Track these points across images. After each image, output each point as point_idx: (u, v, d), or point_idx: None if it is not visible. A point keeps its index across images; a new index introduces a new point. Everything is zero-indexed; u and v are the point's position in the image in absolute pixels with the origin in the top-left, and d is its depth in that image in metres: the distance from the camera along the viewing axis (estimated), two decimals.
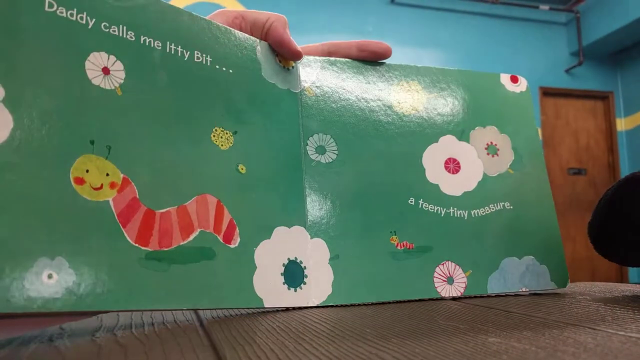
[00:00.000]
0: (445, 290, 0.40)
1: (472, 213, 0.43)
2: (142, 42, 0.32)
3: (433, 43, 4.10)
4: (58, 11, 0.28)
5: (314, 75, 0.43)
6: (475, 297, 0.41)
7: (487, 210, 0.43)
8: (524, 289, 0.42)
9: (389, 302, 0.38)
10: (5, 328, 0.26)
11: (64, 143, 0.27)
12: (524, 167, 0.46)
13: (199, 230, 0.32)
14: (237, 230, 0.34)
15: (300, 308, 0.36)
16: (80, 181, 0.27)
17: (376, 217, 0.40)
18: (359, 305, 0.38)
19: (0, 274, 0.23)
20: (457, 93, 0.46)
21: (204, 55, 0.35)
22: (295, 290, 0.36)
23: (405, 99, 0.45)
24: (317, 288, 0.37)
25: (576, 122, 4.55)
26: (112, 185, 0.28)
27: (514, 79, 0.49)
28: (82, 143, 0.28)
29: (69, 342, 0.25)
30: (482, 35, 4.22)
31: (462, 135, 0.45)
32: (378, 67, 0.45)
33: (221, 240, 0.33)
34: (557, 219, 0.45)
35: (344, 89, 0.43)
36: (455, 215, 0.42)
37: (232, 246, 0.34)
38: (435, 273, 0.40)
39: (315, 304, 0.37)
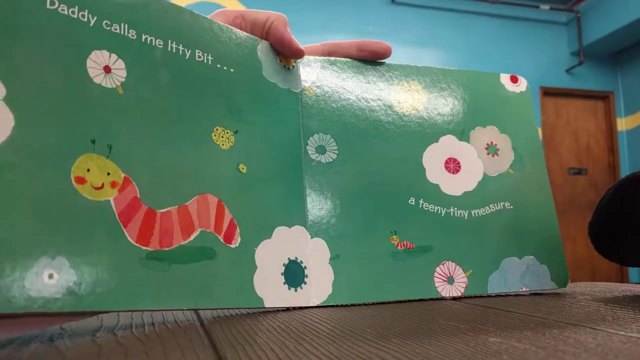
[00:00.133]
0: (446, 290, 0.40)
1: (473, 213, 0.43)
2: (143, 40, 0.32)
3: (433, 43, 4.10)
4: (59, 9, 0.28)
5: (314, 75, 0.43)
6: (476, 297, 0.41)
7: (488, 210, 0.43)
8: (524, 289, 0.42)
9: (390, 302, 0.38)
10: (5, 328, 0.26)
11: (65, 142, 0.27)
12: (524, 167, 0.46)
13: (199, 230, 0.32)
14: (238, 230, 0.34)
15: (300, 308, 0.36)
16: (81, 180, 0.27)
17: (376, 217, 0.40)
18: (359, 305, 0.38)
19: (0, 273, 0.23)
20: (457, 93, 0.46)
21: (205, 54, 0.35)
22: (296, 290, 0.36)
23: (406, 98, 0.45)
24: (318, 288, 0.37)
25: (576, 121, 4.55)
26: (113, 184, 0.28)
27: (514, 79, 0.49)
28: (83, 142, 0.27)
29: (70, 342, 0.25)
30: (482, 35, 4.22)
31: (463, 135, 0.45)
32: (378, 67, 0.45)
33: (222, 240, 0.33)
34: (557, 218, 0.45)
35: (344, 89, 0.43)
36: (456, 215, 0.42)
37: (232, 246, 0.34)
38: (435, 273, 0.40)
39: (315, 304, 0.37)
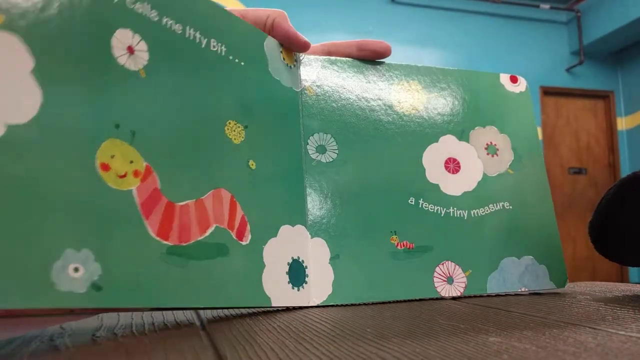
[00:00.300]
0: (445, 290, 0.40)
1: (472, 213, 0.43)
2: (164, 23, 0.30)
3: (433, 42, 4.10)
4: None
5: (315, 75, 0.43)
6: (475, 296, 0.41)
7: (487, 210, 0.43)
8: (523, 289, 0.42)
9: (389, 302, 0.38)
10: (6, 328, 0.26)
11: (91, 124, 0.25)
12: (523, 167, 0.46)
13: (214, 225, 0.31)
14: (248, 227, 0.33)
15: (300, 308, 0.36)
16: (106, 167, 0.25)
17: (376, 216, 0.40)
18: (359, 304, 0.38)
19: (25, 264, 0.21)
20: (457, 93, 0.46)
21: (220, 44, 0.34)
22: (299, 290, 0.36)
23: (406, 98, 0.45)
24: (318, 288, 0.37)
25: (577, 121, 4.54)
26: (136, 173, 0.27)
27: (514, 79, 0.49)
28: (107, 126, 0.26)
29: (70, 341, 0.25)
30: (482, 35, 4.22)
31: (462, 135, 0.45)
32: (378, 67, 0.45)
33: (234, 237, 0.32)
34: (556, 219, 0.46)
35: (344, 88, 0.43)
36: (455, 215, 0.42)
37: (244, 243, 0.33)
38: (435, 273, 0.40)
39: (316, 304, 0.37)
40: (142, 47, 0.28)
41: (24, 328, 0.27)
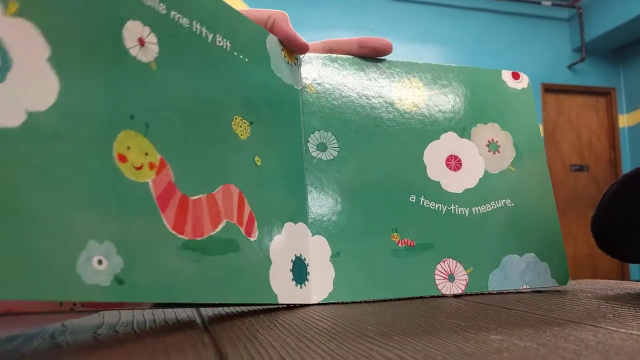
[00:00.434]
0: (447, 288, 0.40)
1: (473, 210, 0.43)
2: (172, 16, 0.30)
3: (434, 39, 4.09)
4: None
5: (315, 72, 0.43)
6: (477, 294, 0.41)
7: (488, 208, 0.43)
8: (525, 287, 0.42)
9: (391, 300, 0.38)
10: (7, 325, 0.26)
11: (107, 115, 0.25)
12: (525, 164, 0.46)
13: (225, 220, 0.31)
14: (256, 224, 0.33)
15: (301, 305, 0.36)
16: (123, 158, 0.25)
17: (377, 214, 0.40)
18: (360, 302, 0.38)
19: (52, 255, 0.20)
20: (459, 90, 0.46)
21: (225, 40, 0.34)
22: (301, 287, 0.36)
23: (407, 95, 0.45)
24: (319, 285, 0.37)
25: (578, 118, 4.54)
26: (151, 166, 0.26)
27: (516, 76, 0.49)
28: (123, 117, 0.25)
29: (71, 339, 0.26)
30: (484, 32, 4.21)
31: (464, 132, 0.45)
32: (379, 64, 0.45)
33: (243, 233, 0.32)
34: (557, 216, 0.45)
35: (345, 86, 0.43)
36: (457, 212, 0.42)
37: (252, 239, 0.33)
38: (436, 270, 0.40)
39: (316, 301, 0.37)
40: (152, 40, 0.28)
41: (25, 325, 0.27)
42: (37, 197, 0.20)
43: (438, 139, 0.44)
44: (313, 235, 0.38)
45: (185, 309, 0.36)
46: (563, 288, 0.44)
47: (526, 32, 4.34)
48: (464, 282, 0.41)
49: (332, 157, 0.41)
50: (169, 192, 0.27)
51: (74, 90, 0.23)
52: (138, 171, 0.25)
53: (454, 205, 0.43)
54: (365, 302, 0.38)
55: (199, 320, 0.31)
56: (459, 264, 0.41)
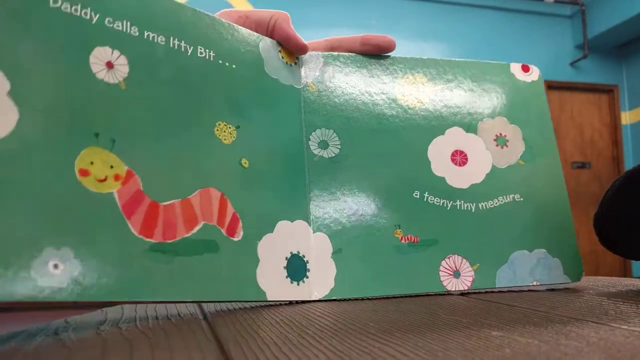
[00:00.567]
0: (452, 284, 0.40)
1: (480, 206, 0.42)
2: (145, 37, 0.32)
3: (436, 37, 4.08)
4: (62, 7, 0.28)
5: (317, 71, 0.43)
6: (486, 291, 0.41)
7: (496, 203, 0.43)
8: (535, 283, 0.41)
9: (392, 297, 0.38)
10: (11, 321, 0.27)
11: (68, 136, 0.27)
12: (535, 157, 0.45)
13: (202, 223, 0.32)
14: (241, 224, 0.34)
15: (303, 302, 0.36)
16: (85, 173, 0.27)
17: (380, 210, 0.40)
18: (362, 299, 0.38)
19: (6, 264, 0.23)
20: (465, 84, 0.46)
21: (207, 50, 0.36)
22: (298, 284, 0.36)
23: (410, 91, 0.44)
24: (320, 282, 0.37)
25: (580, 115, 4.53)
26: (116, 177, 0.29)
27: (525, 68, 0.48)
28: (86, 136, 0.28)
29: (74, 335, 0.26)
30: (486, 29, 4.20)
31: (470, 127, 0.44)
32: (382, 61, 0.45)
33: (224, 234, 0.33)
34: (570, 210, 0.44)
35: (347, 83, 0.43)
36: (462, 208, 0.42)
37: (235, 239, 0.34)
38: (441, 267, 0.40)
39: (317, 298, 0.37)
40: (121, 62, 0.31)
41: (29, 322, 0.28)
42: None
43: (443, 134, 0.44)
44: (314, 232, 0.38)
45: (187, 305, 0.36)
46: (575, 285, 0.43)
47: (529, 29, 4.33)
48: (470, 279, 0.40)
49: (333, 155, 0.41)
50: (136, 199, 0.29)
51: (33, 117, 0.26)
52: (101, 183, 0.28)
53: (460, 201, 0.42)
54: (368, 299, 0.38)
55: (201, 317, 0.31)
56: (464, 260, 0.41)
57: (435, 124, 0.44)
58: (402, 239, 0.40)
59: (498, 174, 0.44)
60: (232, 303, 0.36)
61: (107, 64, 0.30)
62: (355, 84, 0.43)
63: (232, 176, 0.35)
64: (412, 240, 0.40)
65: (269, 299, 0.34)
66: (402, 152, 0.42)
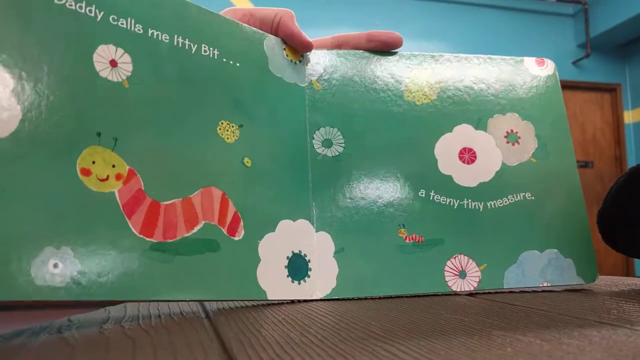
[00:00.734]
0: (457, 285, 0.39)
1: (489, 204, 0.41)
2: (149, 35, 0.32)
3: (440, 36, 4.07)
4: (67, 4, 0.28)
5: (322, 68, 0.42)
6: (496, 292, 0.40)
7: (506, 202, 0.42)
8: (546, 284, 0.40)
9: (396, 296, 0.38)
10: (15, 320, 0.27)
11: (71, 135, 0.27)
12: (548, 155, 0.44)
13: (203, 222, 0.32)
14: (242, 223, 0.35)
15: (305, 301, 0.36)
16: (86, 172, 0.27)
17: (383, 210, 0.40)
18: (364, 298, 0.38)
19: (6, 262, 0.23)
20: (474, 80, 0.45)
21: (211, 48, 0.36)
22: (299, 283, 0.36)
23: (417, 88, 0.43)
24: (322, 281, 0.37)
25: (583, 114, 4.51)
26: (118, 176, 0.29)
27: (540, 62, 0.47)
28: (89, 135, 0.28)
29: (77, 333, 0.26)
30: (488, 28, 4.19)
31: (479, 123, 0.43)
32: (389, 57, 0.44)
33: (225, 233, 0.33)
34: (585, 208, 0.43)
35: (352, 81, 0.43)
36: (470, 207, 0.41)
37: (236, 239, 0.34)
38: (446, 267, 0.40)
39: (319, 297, 0.37)
40: (125, 60, 0.31)
41: (32, 320, 0.28)
42: None
43: (450, 131, 0.43)
44: (317, 231, 0.38)
45: (190, 304, 0.36)
46: (590, 286, 0.42)
47: (531, 28, 4.32)
48: (477, 279, 0.40)
49: (337, 153, 0.41)
50: (137, 199, 0.29)
51: (35, 116, 0.26)
52: (103, 182, 0.28)
53: (467, 200, 0.41)
54: (370, 298, 0.38)
55: (203, 315, 0.31)
56: (471, 260, 0.40)
57: (442, 121, 0.43)
58: (406, 238, 0.40)
59: (508, 172, 0.42)
60: (234, 302, 0.36)
61: (111, 62, 0.30)
62: (360, 81, 0.43)
63: (234, 175, 0.35)
64: (417, 240, 0.40)
65: (269, 298, 0.34)
66: (408, 150, 0.42)
